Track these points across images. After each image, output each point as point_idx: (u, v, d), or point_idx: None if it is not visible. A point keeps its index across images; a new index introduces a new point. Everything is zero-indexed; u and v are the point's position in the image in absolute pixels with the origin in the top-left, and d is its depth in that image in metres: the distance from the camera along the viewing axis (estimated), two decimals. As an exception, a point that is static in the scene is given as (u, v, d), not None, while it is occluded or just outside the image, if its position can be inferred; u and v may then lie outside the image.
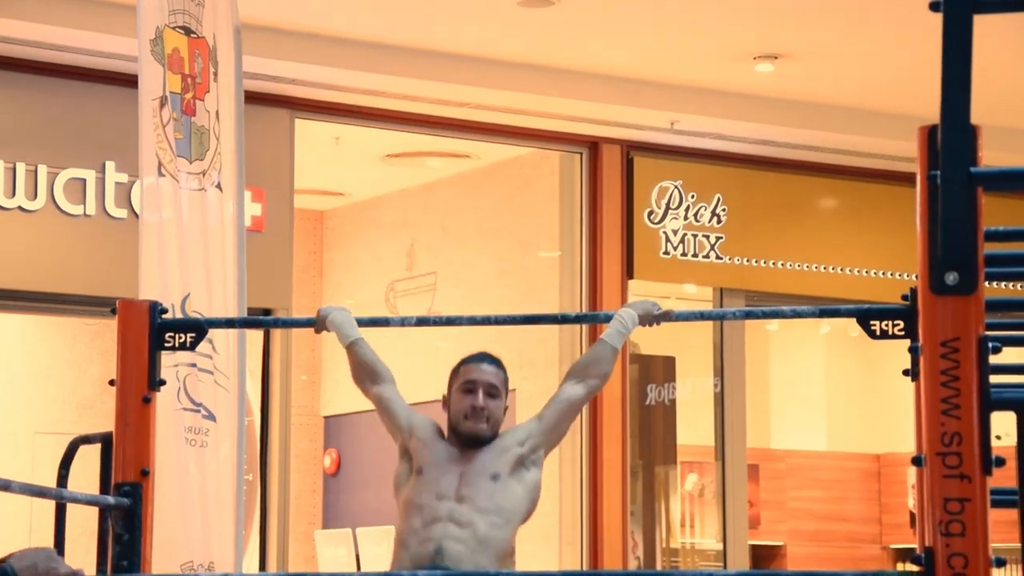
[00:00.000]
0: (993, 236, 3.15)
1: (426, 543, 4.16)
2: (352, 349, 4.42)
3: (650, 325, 4.20)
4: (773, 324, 11.68)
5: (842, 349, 12.19)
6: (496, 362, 4.46)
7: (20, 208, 7.93)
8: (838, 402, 12.32)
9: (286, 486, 8.69)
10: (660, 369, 9.88)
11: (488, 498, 4.18)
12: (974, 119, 2.88)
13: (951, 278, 2.95)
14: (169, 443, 5.37)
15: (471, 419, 4.34)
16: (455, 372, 4.47)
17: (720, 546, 9.67)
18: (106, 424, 4.25)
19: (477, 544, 4.13)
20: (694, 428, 9.99)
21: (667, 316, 4.19)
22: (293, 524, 9.01)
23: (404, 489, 4.31)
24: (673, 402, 9.80)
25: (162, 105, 5.68)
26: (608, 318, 4.40)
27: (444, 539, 4.14)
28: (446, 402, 4.43)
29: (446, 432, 4.41)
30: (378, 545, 10.08)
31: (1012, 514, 3.13)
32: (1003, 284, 8.05)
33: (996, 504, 3.11)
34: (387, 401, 4.42)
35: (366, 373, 4.44)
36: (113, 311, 4.15)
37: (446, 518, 4.18)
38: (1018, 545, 3.10)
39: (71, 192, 8.05)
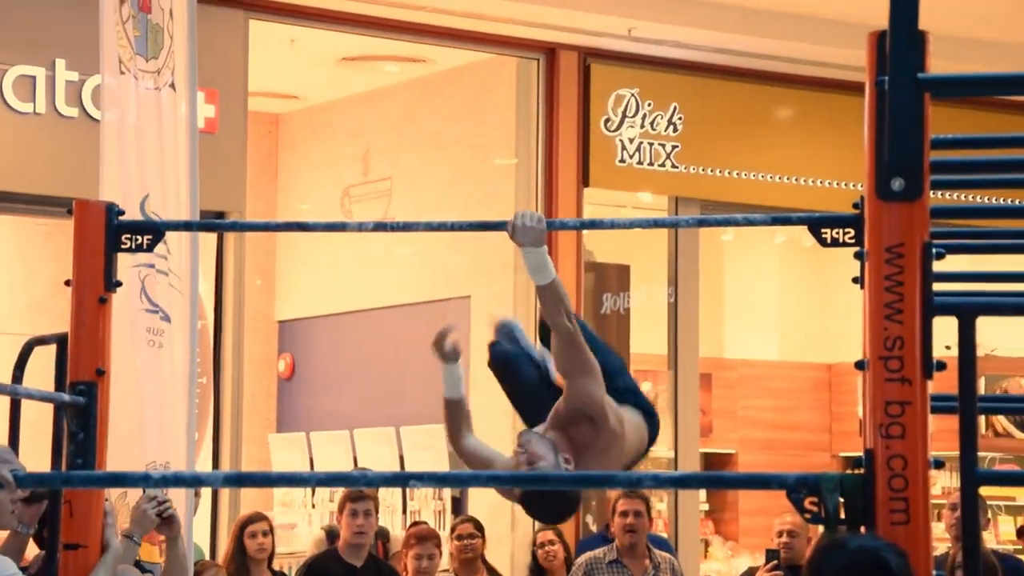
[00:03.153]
0: (940, 144, 3.20)
1: None
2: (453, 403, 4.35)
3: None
4: (728, 234, 11.75)
5: (796, 259, 12.30)
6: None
7: (-32, 105, 7.89)
8: (791, 312, 12.45)
9: (239, 389, 8.74)
10: (615, 278, 9.95)
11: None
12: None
13: (897, 184, 3.01)
14: (128, 344, 5.40)
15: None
16: None
17: (672, 454, 9.81)
18: (58, 326, 4.28)
19: None
20: (648, 337, 10.09)
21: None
22: (247, 427, 9.08)
23: None
24: (627, 311, 9.88)
25: (122, 1, 5.65)
26: (564, 225, 4.41)
27: None
28: None
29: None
30: (332, 448, 10.18)
31: (954, 422, 3.20)
32: (949, 195, 8.14)
33: (937, 410, 3.19)
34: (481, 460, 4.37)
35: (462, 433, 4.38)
36: (69, 211, 4.16)
37: None
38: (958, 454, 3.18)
39: (20, 90, 7.99)
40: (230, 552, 7.00)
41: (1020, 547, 9.52)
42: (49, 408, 4.19)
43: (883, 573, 2.86)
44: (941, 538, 7.12)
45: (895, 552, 2.89)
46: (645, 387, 10.58)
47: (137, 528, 4.53)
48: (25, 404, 4.18)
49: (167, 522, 4.48)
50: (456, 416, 4.35)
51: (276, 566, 7.51)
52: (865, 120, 3.05)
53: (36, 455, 4.25)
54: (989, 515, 9.70)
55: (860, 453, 3.18)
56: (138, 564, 4.63)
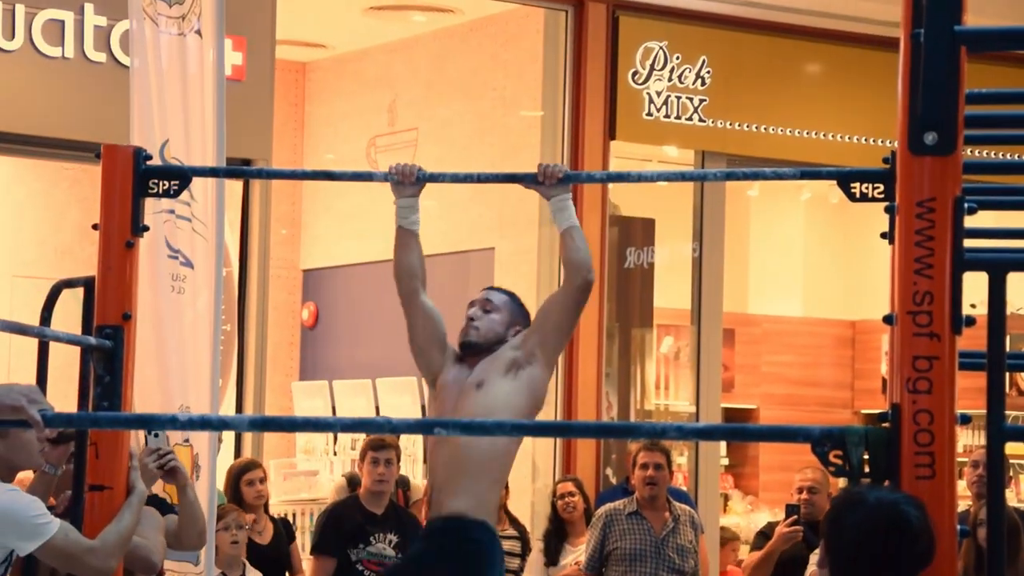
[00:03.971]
0: (974, 98, 3.17)
1: (434, 468, 4.39)
2: (409, 233, 4.43)
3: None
4: (754, 189, 11.71)
5: (822, 216, 12.26)
6: (504, 292, 4.58)
7: (-3, 47, 7.90)
8: (815, 269, 12.42)
9: (263, 337, 8.76)
10: (640, 232, 9.93)
11: (474, 405, 4.32)
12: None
13: (930, 138, 2.98)
14: (149, 290, 5.41)
15: (464, 329, 4.50)
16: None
17: (693, 408, 9.81)
18: (84, 271, 4.29)
19: (461, 457, 4.30)
20: (672, 292, 10.07)
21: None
22: (270, 375, 9.11)
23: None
24: (651, 265, 9.86)
25: (142, -55, 5.63)
26: (591, 177, 4.42)
27: (439, 464, 4.35)
28: None
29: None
30: (355, 398, 10.21)
31: (976, 381, 3.20)
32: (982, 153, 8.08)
33: (964, 367, 3.17)
34: (434, 320, 4.47)
35: (415, 269, 4.46)
36: (97, 156, 4.17)
37: (443, 438, 4.35)
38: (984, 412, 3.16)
39: (49, 34, 7.98)
40: (227, 501, 7.03)
41: (1040, 507, 9.49)
42: (75, 352, 4.20)
43: (903, 526, 2.86)
44: (962, 495, 7.11)
45: (914, 505, 2.89)
46: (667, 342, 10.59)
47: (136, 471, 4.52)
48: (52, 348, 4.20)
49: (171, 473, 4.45)
50: (415, 252, 4.38)
51: (299, 511, 7.55)
52: (899, 73, 3.02)
53: (62, 398, 4.27)
54: (1011, 473, 9.69)
55: (882, 410, 3.17)
56: (166, 505, 4.65)
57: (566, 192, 4.20)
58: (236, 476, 7.15)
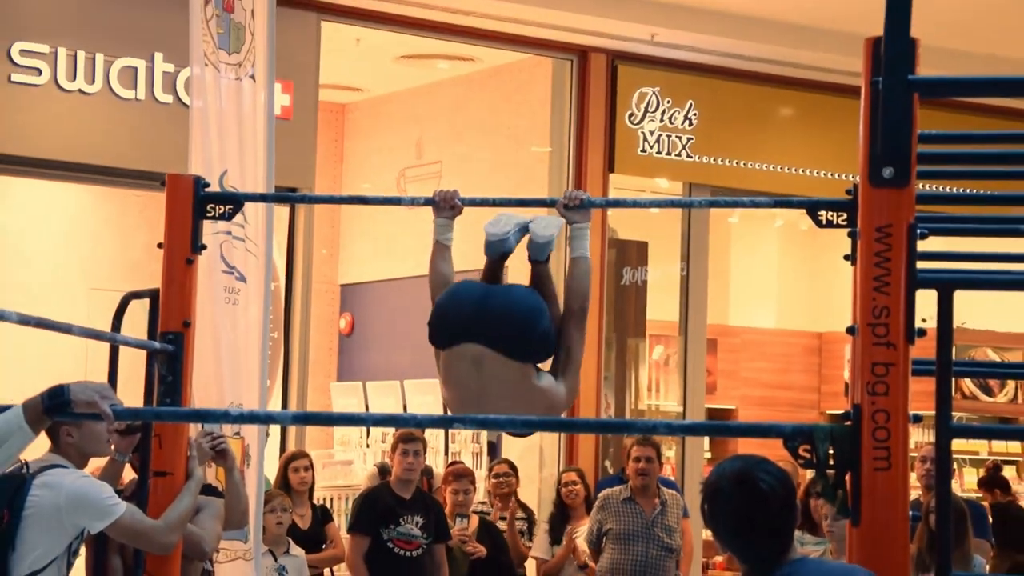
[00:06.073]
0: (926, 138, 3.17)
1: None
2: (446, 248, 4.42)
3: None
4: (734, 217, 11.70)
5: (792, 241, 12.25)
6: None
7: (80, 91, 7.91)
8: (787, 286, 12.41)
9: (306, 344, 8.77)
10: (634, 253, 9.93)
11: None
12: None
13: (887, 172, 2.99)
14: (208, 301, 5.42)
15: None
16: None
17: (680, 408, 9.80)
18: (150, 284, 4.30)
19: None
20: (662, 306, 10.07)
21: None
22: (312, 377, 9.11)
23: None
24: (645, 283, 9.87)
25: (206, 2, 5.65)
26: (592, 203, 4.38)
27: None
28: None
29: None
30: (385, 396, 10.21)
31: (926, 386, 3.19)
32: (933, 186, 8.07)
33: (917, 372, 3.17)
34: None
35: (449, 278, 4.45)
36: (162, 184, 4.18)
37: None
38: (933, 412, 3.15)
39: (124, 78, 8.02)
40: (276, 485, 7.05)
41: (982, 495, 9.47)
42: (142, 356, 4.21)
43: (751, 489, 2.68)
44: (912, 486, 7.08)
45: (762, 468, 2.70)
46: (658, 350, 10.58)
47: (194, 459, 4.52)
48: (122, 351, 4.21)
49: (221, 454, 4.43)
50: (449, 263, 4.41)
51: (336, 496, 7.52)
52: (860, 115, 3.02)
53: (131, 395, 4.27)
54: (955, 467, 9.64)
55: (845, 410, 3.16)
56: (217, 492, 4.64)
57: (586, 220, 4.17)
58: (285, 464, 7.16)
